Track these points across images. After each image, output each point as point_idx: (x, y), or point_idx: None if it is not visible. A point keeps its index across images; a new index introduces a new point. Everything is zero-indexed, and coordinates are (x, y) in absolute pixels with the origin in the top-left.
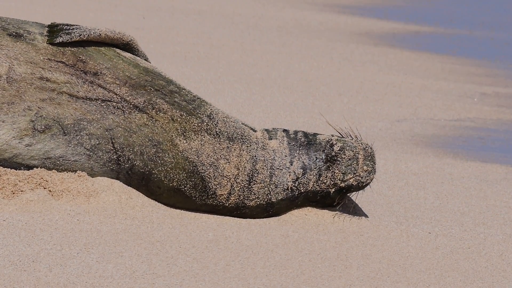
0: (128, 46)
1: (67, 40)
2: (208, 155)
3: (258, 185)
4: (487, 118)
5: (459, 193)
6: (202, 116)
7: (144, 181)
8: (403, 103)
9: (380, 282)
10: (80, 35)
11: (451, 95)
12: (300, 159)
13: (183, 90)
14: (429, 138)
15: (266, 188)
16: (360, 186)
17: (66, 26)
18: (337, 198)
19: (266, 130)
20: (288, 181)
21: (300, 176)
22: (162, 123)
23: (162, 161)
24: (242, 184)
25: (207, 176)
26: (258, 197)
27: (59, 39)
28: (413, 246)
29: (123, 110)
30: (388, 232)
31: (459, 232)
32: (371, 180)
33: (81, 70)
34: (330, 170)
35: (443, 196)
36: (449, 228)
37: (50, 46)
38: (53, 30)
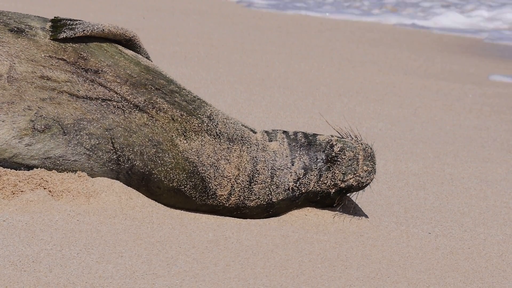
0: (130, 43)
1: (71, 35)
2: (209, 155)
3: (259, 185)
4: (487, 118)
5: (459, 193)
6: (202, 116)
7: (144, 181)
8: (403, 103)
9: (380, 283)
10: (84, 30)
11: (451, 95)
12: (301, 159)
13: (184, 90)
14: (429, 138)
15: (267, 189)
16: (360, 186)
17: (69, 21)
18: (337, 199)
19: (265, 131)
20: (290, 182)
21: (301, 176)
22: (162, 123)
23: (162, 161)
24: (243, 185)
25: (207, 177)
26: (258, 197)
27: (62, 35)
28: (413, 247)
29: (123, 109)
30: (388, 233)
31: (459, 232)
32: (371, 180)
33: (82, 68)
34: (330, 170)
35: (443, 197)
36: (449, 229)
37: (52, 42)
38: (57, 25)
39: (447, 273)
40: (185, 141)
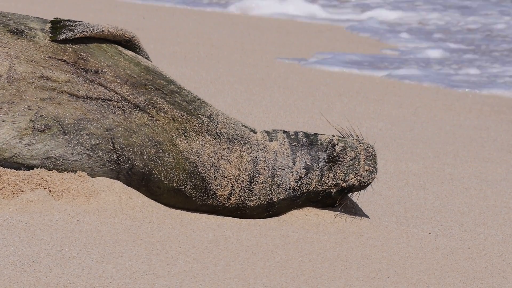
0: (130, 43)
1: (70, 36)
2: (209, 155)
3: (259, 185)
4: (487, 118)
5: (459, 193)
6: (202, 117)
7: (144, 181)
8: (403, 103)
9: (380, 283)
10: (83, 31)
11: (451, 95)
12: (303, 159)
13: (184, 91)
14: (429, 138)
15: (268, 189)
16: (361, 186)
17: (69, 22)
18: (338, 199)
19: (266, 132)
20: (291, 181)
21: (303, 176)
22: (163, 123)
23: (162, 161)
24: (243, 185)
25: (207, 177)
26: (259, 197)
27: (62, 36)
28: (413, 247)
29: (123, 109)
30: (388, 233)
31: (459, 232)
32: (373, 180)
33: (82, 68)
34: (332, 170)
35: (443, 196)
36: (449, 229)
37: (51, 43)
38: (56, 26)
39: (447, 273)
40: (185, 141)
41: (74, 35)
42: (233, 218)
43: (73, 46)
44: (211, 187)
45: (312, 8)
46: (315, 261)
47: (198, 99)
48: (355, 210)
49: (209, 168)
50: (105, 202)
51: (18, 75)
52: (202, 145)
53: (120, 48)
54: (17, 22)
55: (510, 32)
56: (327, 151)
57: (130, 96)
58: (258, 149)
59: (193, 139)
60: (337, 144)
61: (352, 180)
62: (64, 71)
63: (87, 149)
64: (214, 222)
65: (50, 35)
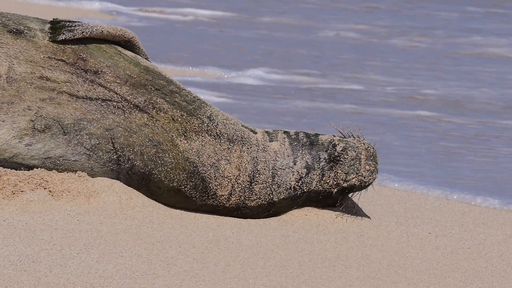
0: (129, 44)
1: (70, 37)
2: (209, 155)
3: (259, 185)
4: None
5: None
6: (202, 117)
7: (144, 181)
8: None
9: (380, 282)
10: (83, 32)
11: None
12: (303, 158)
13: (184, 91)
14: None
15: (268, 189)
16: (362, 186)
17: (68, 23)
18: (339, 199)
19: (266, 132)
20: (291, 181)
21: (303, 175)
22: (163, 123)
23: (162, 162)
24: (243, 185)
25: (207, 177)
26: (259, 197)
27: (61, 37)
28: (413, 246)
29: (123, 109)
30: (388, 232)
31: (459, 232)
32: (374, 180)
33: (82, 69)
34: (333, 170)
35: (443, 197)
36: (449, 228)
37: (51, 43)
38: (56, 27)
39: (447, 273)
40: (185, 141)
41: (74, 36)
42: (233, 218)
43: (73, 46)
44: (211, 187)
45: None
46: (315, 261)
47: (198, 99)
48: (355, 210)
49: (209, 168)
50: (105, 202)
51: (17, 75)
52: (202, 145)
53: (119, 48)
54: (16, 22)
55: None
56: (328, 151)
57: (130, 96)
58: (258, 149)
59: (193, 139)
60: (338, 144)
61: (353, 180)
62: (63, 72)
63: (87, 149)
64: (214, 222)
65: (49, 35)
